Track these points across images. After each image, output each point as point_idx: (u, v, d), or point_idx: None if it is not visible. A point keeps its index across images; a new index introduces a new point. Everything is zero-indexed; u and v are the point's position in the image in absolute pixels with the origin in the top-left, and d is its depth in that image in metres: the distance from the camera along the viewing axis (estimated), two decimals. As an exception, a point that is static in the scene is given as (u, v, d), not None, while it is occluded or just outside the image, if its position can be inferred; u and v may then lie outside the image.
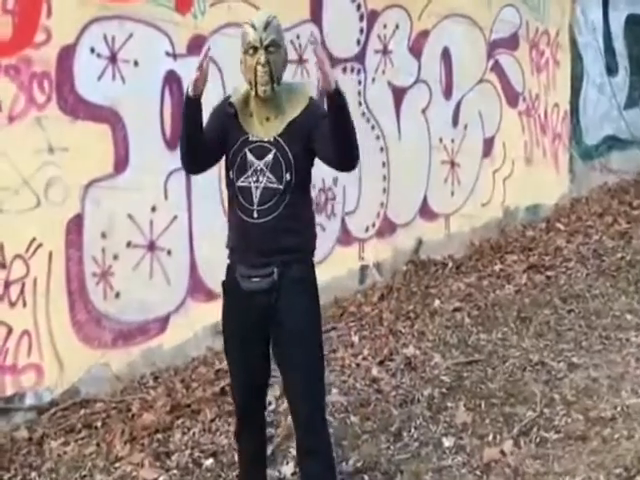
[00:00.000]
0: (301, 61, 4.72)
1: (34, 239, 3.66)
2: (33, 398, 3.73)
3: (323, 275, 4.90)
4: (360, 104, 5.13)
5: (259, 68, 2.43)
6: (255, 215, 2.51)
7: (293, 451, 3.34)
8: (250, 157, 2.52)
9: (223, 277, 2.69)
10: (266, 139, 2.51)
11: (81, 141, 3.78)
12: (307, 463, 2.65)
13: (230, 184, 2.58)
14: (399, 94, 5.38)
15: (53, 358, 3.77)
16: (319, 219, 4.92)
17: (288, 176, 2.50)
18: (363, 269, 5.32)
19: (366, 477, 3.17)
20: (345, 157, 2.53)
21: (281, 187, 2.50)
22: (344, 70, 5.00)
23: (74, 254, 3.81)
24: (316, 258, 4.81)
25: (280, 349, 2.61)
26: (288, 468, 3.24)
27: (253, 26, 2.46)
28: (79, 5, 3.72)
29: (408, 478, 3.14)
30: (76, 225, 3.81)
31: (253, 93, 2.49)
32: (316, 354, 2.63)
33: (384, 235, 5.42)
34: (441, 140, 5.76)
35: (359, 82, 5.10)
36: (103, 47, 3.83)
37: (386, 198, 5.40)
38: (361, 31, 5.08)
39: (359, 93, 5.11)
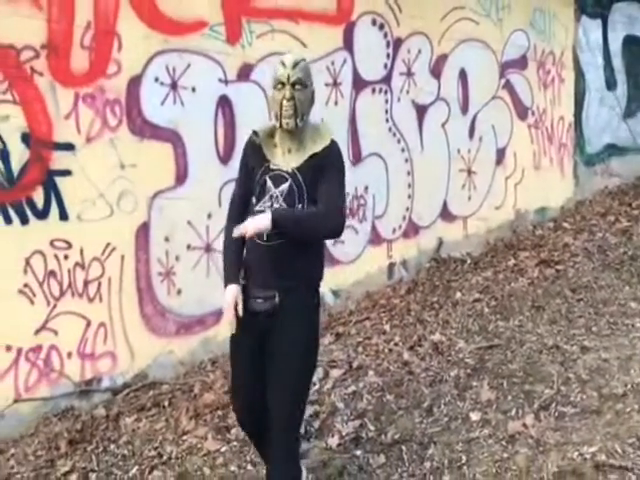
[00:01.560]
0: (336, 84, 4.76)
1: (108, 244, 3.74)
2: (109, 381, 3.80)
3: (356, 272, 5.04)
4: (387, 121, 5.15)
5: (284, 102, 2.35)
6: (265, 238, 2.38)
7: (338, 425, 3.37)
8: (269, 183, 2.43)
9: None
10: (285, 169, 2.42)
11: (147, 158, 3.85)
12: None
13: (251, 209, 2.47)
14: (421, 111, 5.39)
15: (125, 347, 3.84)
16: (352, 222, 5.00)
17: (300, 206, 2.39)
18: (391, 266, 5.33)
19: (403, 447, 3.17)
20: (324, 238, 2.54)
21: None
22: (373, 91, 5.03)
23: (142, 256, 3.88)
24: (351, 257, 5.00)
25: (269, 372, 2.42)
26: (333, 440, 3.24)
27: (283, 64, 2.39)
28: (145, 40, 3.79)
29: (441, 448, 3.13)
30: (143, 231, 3.88)
31: (278, 125, 2.40)
32: (299, 371, 2.43)
33: (409, 236, 5.43)
34: (459, 151, 5.75)
35: (386, 101, 5.13)
36: (165, 76, 3.89)
37: (411, 203, 5.40)
38: (388, 56, 5.09)
39: (386, 111, 5.13)
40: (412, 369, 3.92)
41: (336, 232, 2.42)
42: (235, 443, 3.32)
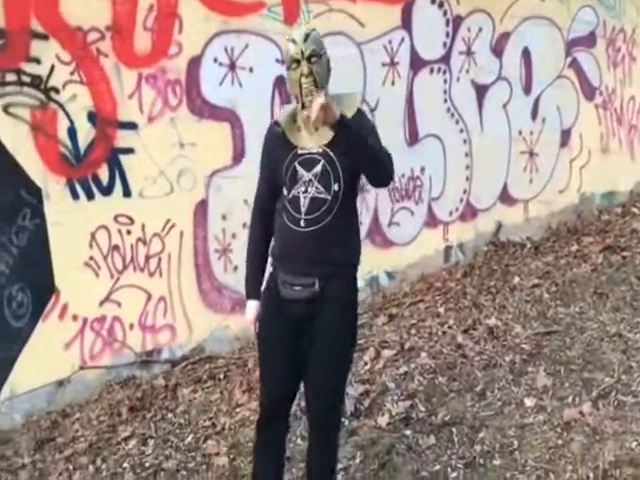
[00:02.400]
0: (393, 64, 4.69)
1: (168, 220, 3.84)
2: (168, 353, 3.93)
3: (411, 254, 4.99)
4: (445, 101, 5.04)
5: (303, 79, 2.19)
6: (302, 224, 2.25)
7: (388, 404, 3.36)
8: (300, 169, 2.26)
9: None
10: (315, 150, 2.25)
11: (206, 137, 3.91)
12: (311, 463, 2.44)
13: (283, 198, 2.31)
14: (482, 91, 5.24)
15: (183, 320, 3.95)
16: (408, 204, 4.94)
17: (336, 187, 2.24)
18: (447, 249, 5.24)
19: (454, 429, 3.14)
20: (373, 179, 2.28)
21: (329, 197, 2.25)
22: (431, 71, 4.93)
23: (200, 233, 3.96)
24: (406, 239, 4.96)
25: (307, 363, 2.32)
26: (383, 419, 3.24)
27: (293, 40, 2.21)
28: (204, 22, 3.84)
29: (493, 432, 3.08)
30: (202, 209, 3.96)
31: (300, 106, 2.23)
32: (341, 365, 2.36)
33: (466, 219, 5.32)
34: (520, 132, 5.56)
35: (445, 81, 5.01)
36: (224, 57, 3.93)
37: (469, 185, 5.28)
38: (447, 35, 4.97)
39: (444, 91, 5.01)
40: (466, 352, 3.86)
41: (389, 175, 2.27)
42: (286, 417, 3.36)
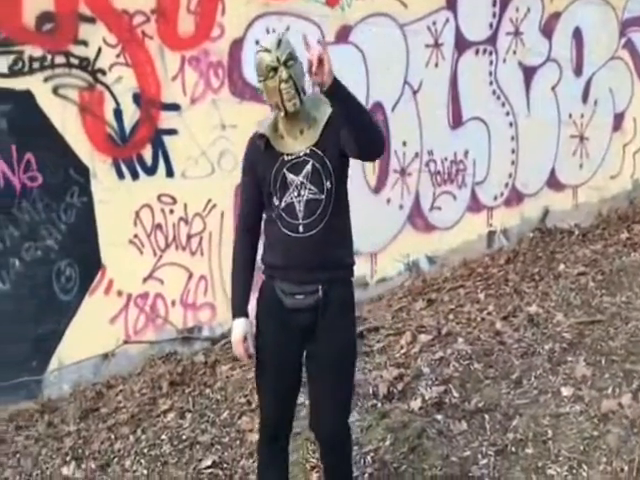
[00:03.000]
0: (437, 45, 4.60)
1: (209, 200, 3.91)
2: (208, 331, 4.01)
3: (453, 239, 4.93)
4: (491, 83, 4.92)
5: (282, 85, 2.11)
6: (301, 229, 2.18)
7: (422, 389, 3.34)
8: (289, 175, 2.20)
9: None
10: (302, 153, 2.20)
11: (247, 119, 3.88)
12: (327, 473, 2.40)
13: (273, 208, 2.23)
14: (529, 73, 5.09)
15: (224, 299, 4.00)
16: (450, 188, 4.87)
17: (329, 184, 2.19)
18: (491, 234, 5.15)
19: (486, 416, 3.10)
20: (367, 144, 2.13)
21: (323, 196, 2.19)
22: (476, 52, 4.81)
23: (240, 214, 4.04)
24: (448, 224, 4.90)
25: (313, 367, 2.27)
26: (416, 403, 3.22)
27: (266, 50, 2.15)
28: (246, 4, 3.86)
29: (527, 421, 3.03)
30: (242, 190, 4.03)
31: (282, 113, 2.16)
32: (348, 377, 2.30)
33: (512, 204, 5.20)
34: (570, 115, 5.38)
35: (490, 63, 4.88)
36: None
37: (514, 170, 5.16)
38: (494, 15, 4.83)
39: (490, 73, 4.89)
40: (504, 339, 3.79)
41: (380, 142, 2.15)
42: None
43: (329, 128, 2.19)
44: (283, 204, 2.20)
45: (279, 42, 2.16)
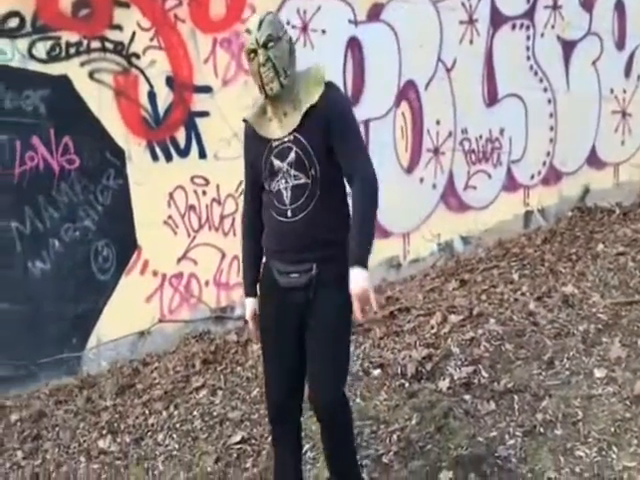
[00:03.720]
0: (471, 21, 4.51)
1: (242, 182, 3.86)
2: (240, 310, 4.03)
3: (489, 218, 4.86)
4: (528, 58, 4.81)
5: (261, 69, 2.11)
6: (289, 214, 2.22)
7: (450, 369, 3.33)
8: (276, 162, 2.21)
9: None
10: (286, 138, 2.19)
11: (279, 100, 3.98)
12: (327, 448, 2.39)
13: (266, 192, 2.30)
14: (569, 47, 4.95)
15: (256, 279, 4.11)
16: (485, 167, 4.80)
17: (313, 171, 2.19)
18: (527, 214, 5.07)
19: (515, 397, 3.08)
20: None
21: (309, 182, 2.20)
22: (513, 27, 4.70)
23: (273, 194, 4.08)
24: (483, 203, 4.83)
25: (308, 339, 2.29)
26: (444, 383, 3.22)
27: (248, 31, 2.14)
28: (277, -16, 3.86)
29: (557, 402, 3.00)
30: (274, 171, 4.06)
31: (264, 96, 2.17)
32: (340, 345, 2.30)
33: (549, 183, 5.10)
34: (612, 91, 5.22)
35: (528, 37, 4.77)
36: (297, 19, 3.95)
37: (553, 147, 5.04)
38: (531, -12, 4.72)
39: (527, 48, 4.78)
40: (537, 320, 3.73)
41: (377, 185, 2.22)
42: (349, 377, 3.37)
43: (315, 112, 2.15)
44: (273, 190, 2.24)
45: (260, 23, 2.14)
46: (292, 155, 2.19)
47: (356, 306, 2.12)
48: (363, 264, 2.14)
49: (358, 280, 2.11)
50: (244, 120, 2.29)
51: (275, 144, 2.22)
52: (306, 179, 2.21)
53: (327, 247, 2.24)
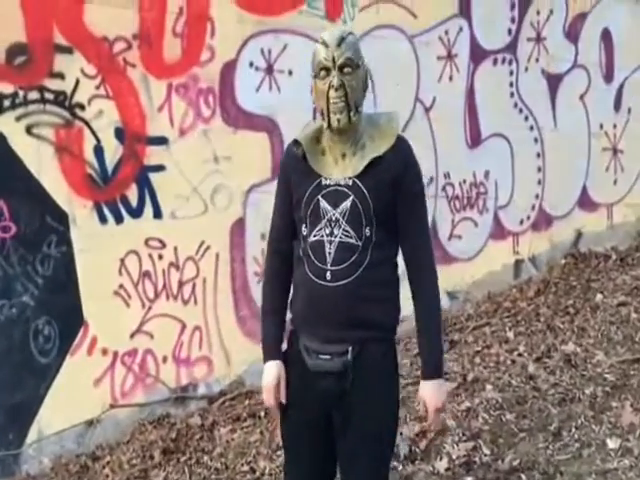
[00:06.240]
0: (450, 56, 4.78)
1: (203, 242, 4.03)
2: (204, 388, 4.10)
3: (476, 270, 5.06)
4: (512, 95, 5.12)
5: (332, 93, 2.02)
6: (328, 277, 2.07)
7: (447, 446, 3.40)
8: (323, 204, 2.09)
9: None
10: (343, 182, 2.09)
11: (242, 150, 4.08)
12: None
13: (302, 239, 2.15)
14: (554, 82, 5.29)
15: (221, 352, 4.12)
16: (471, 214, 5.01)
17: (368, 231, 2.08)
18: (518, 263, 5.30)
19: (523, 476, 3.15)
20: None
21: (359, 243, 2.08)
22: (494, 62, 5.00)
23: (237, 255, 4.14)
24: (470, 254, 5.03)
25: (344, 444, 2.15)
26: (441, 464, 3.27)
27: (324, 43, 2.06)
28: (238, 23, 4.02)
29: (569, 479, 3.10)
30: (239, 228, 4.14)
31: (326, 124, 2.08)
32: (385, 458, 2.21)
33: (540, 228, 5.37)
34: (602, 126, 5.59)
35: (511, 73, 5.09)
36: (260, 60, 4.11)
37: (541, 190, 5.33)
38: (512, 20, 5.04)
39: (511, 84, 5.09)
40: (538, 384, 3.89)
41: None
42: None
43: (381, 165, 2.07)
44: (312, 238, 2.11)
45: (341, 40, 2.05)
46: (347, 203, 2.08)
47: (432, 419, 2.15)
48: (439, 374, 2.13)
49: (438, 392, 2.13)
50: (295, 141, 2.17)
51: (326, 183, 2.11)
52: (357, 240, 2.08)
53: (368, 328, 2.10)
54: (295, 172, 2.17)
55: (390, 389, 2.17)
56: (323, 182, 2.12)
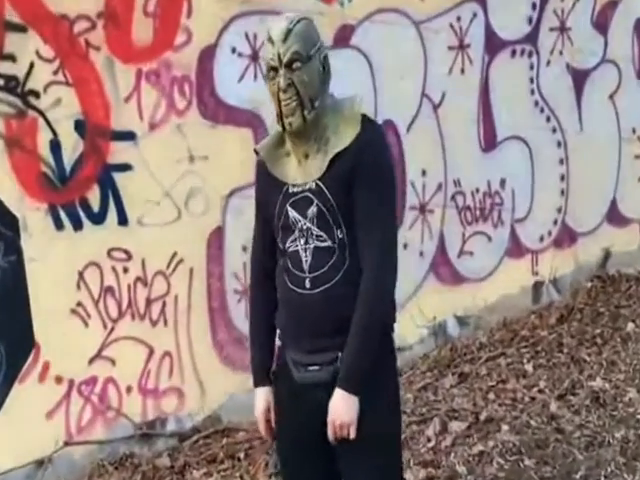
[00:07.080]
0: (462, 47, 4.76)
1: (175, 254, 3.96)
2: (174, 424, 4.02)
3: (489, 293, 5.00)
4: (532, 92, 5.10)
5: (281, 95, 2.07)
6: (307, 285, 2.16)
7: (458, 497, 3.40)
8: (293, 214, 2.17)
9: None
10: (307, 187, 2.16)
11: (222, 148, 4.03)
12: None
13: (280, 253, 2.25)
14: (580, 78, 5.29)
15: (194, 382, 4.05)
16: (484, 228, 4.96)
17: (339, 233, 2.15)
18: (537, 285, 5.27)
19: (546, 532, 3.17)
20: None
21: (334, 246, 2.15)
22: (512, 54, 4.99)
23: (215, 270, 4.08)
24: (483, 273, 4.98)
25: (345, 459, 2.21)
26: (451, 515, 3.29)
27: (270, 40, 2.09)
28: (219, 2, 3.97)
29: (597, 536, 3.11)
30: (217, 238, 4.07)
31: (280, 128, 2.14)
32: (393, 465, 2.27)
33: (563, 245, 5.35)
34: (634, 130, 5.58)
35: (531, 67, 5.07)
36: (245, 45, 4.06)
37: (565, 202, 5.31)
38: (533, 7, 5.03)
39: (531, 80, 5.08)
40: (561, 425, 3.86)
41: (392, 306, 2.23)
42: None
43: (343, 160, 2.12)
44: (289, 250, 2.20)
45: (287, 33, 2.06)
46: (313, 209, 2.16)
47: (330, 431, 2.13)
48: (350, 387, 2.11)
49: (345, 406, 2.10)
50: (255, 151, 2.30)
51: (292, 190, 2.18)
52: (331, 242, 2.16)
53: None
54: (266, 182, 2.27)
55: (386, 392, 2.21)
56: (290, 190, 2.20)
